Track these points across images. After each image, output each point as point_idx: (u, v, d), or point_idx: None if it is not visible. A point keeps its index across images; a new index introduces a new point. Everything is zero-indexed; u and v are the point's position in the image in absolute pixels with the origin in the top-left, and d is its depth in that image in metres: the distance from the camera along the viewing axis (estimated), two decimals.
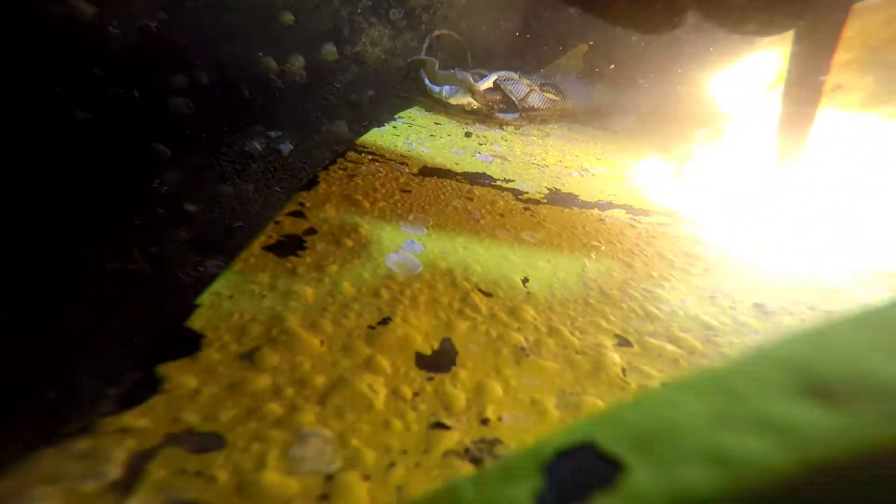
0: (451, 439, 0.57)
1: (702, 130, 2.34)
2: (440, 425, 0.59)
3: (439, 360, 0.70)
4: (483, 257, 1.03)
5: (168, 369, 0.60)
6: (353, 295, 0.82)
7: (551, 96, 2.70)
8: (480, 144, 1.97)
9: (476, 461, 0.55)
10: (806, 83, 1.56)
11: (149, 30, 1.84)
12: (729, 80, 2.49)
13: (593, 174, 1.87)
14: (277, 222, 1.00)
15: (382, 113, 2.16)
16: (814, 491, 0.21)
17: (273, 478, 0.49)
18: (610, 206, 1.52)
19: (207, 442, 0.52)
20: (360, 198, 1.20)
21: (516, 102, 2.49)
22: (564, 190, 1.60)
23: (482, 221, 1.21)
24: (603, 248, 1.18)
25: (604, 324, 0.86)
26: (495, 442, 0.58)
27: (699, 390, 0.27)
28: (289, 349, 0.67)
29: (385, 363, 0.68)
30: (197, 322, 0.69)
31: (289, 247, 0.92)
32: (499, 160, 1.79)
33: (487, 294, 0.89)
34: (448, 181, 1.45)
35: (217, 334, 0.67)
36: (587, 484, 0.24)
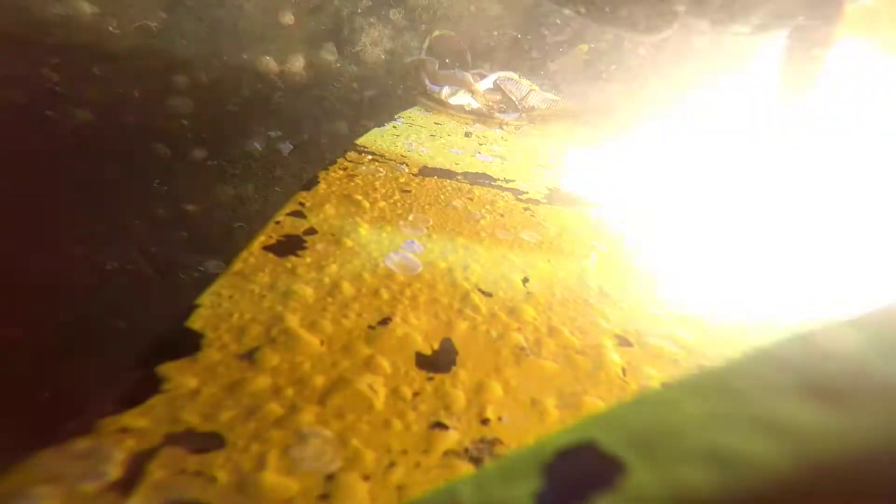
0: (450, 439, 0.57)
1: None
2: (440, 425, 0.59)
3: (439, 360, 0.70)
4: (483, 257, 1.03)
5: (168, 369, 0.60)
6: (353, 295, 0.82)
7: (551, 96, 2.70)
8: (480, 144, 1.97)
9: (476, 461, 0.55)
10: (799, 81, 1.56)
11: (149, 30, 1.84)
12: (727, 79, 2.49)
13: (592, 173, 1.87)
14: (277, 222, 1.00)
15: (382, 113, 2.16)
16: (814, 491, 0.21)
17: (273, 478, 0.49)
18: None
19: (207, 442, 0.52)
20: (360, 198, 1.20)
21: (516, 102, 2.49)
22: (565, 189, 1.60)
23: (482, 221, 1.21)
24: (605, 248, 1.18)
25: (604, 324, 0.86)
26: (495, 442, 0.58)
27: (699, 390, 0.27)
28: (289, 349, 0.67)
29: (385, 363, 0.68)
30: (197, 322, 0.69)
31: (289, 247, 0.92)
32: (499, 160, 1.79)
33: (487, 294, 0.89)
34: (448, 181, 1.45)
35: (217, 334, 0.67)
36: (587, 484, 0.24)
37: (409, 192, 1.30)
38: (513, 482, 0.26)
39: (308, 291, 0.81)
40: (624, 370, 0.74)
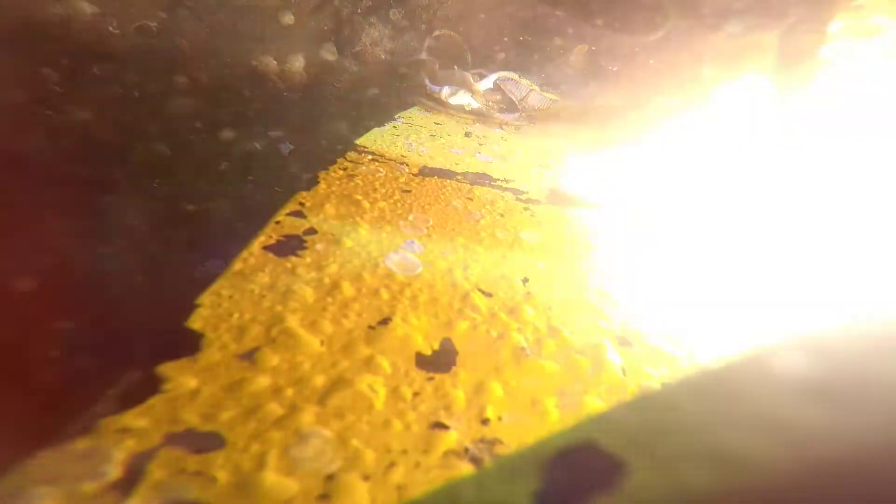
0: (450, 439, 0.57)
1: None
2: (440, 425, 0.59)
3: (439, 360, 0.70)
4: (483, 257, 1.03)
5: (168, 369, 0.60)
6: (352, 295, 0.82)
7: (551, 96, 2.70)
8: (480, 144, 1.97)
9: (476, 461, 0.55)
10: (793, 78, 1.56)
11: (149, 30, 1.84)
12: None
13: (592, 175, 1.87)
14: (277, 222, 1.00)
15: (382, 113, 2.16)
16: (813, 491, 0.21)
17: (273, 478, 0.49)
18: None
19: (207, 442, 0.52)
20: (360, 198, 1.20)
21: (516, 102, 2.49)
22: (565, 189, 1.59)
23: (482, 221, 1.21)
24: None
25: (604, 324, 0.86)
26: (495, 442, 0.58)
27: (699, 390, 0.27)
28: (289, 349, 0.67)
29: (385, 363, 0.68)
30: (197, 322, 0.69)
31: (289, 247, 0.92)
32: (499, 160, 1.79)
33: (487, 294, 0.89)
34: (448, 181, 1.45)
35: (217, 334, 0.67)
36: (587, 484, 0.24)
37: (409, 192, 1.30)
38: (513, 482, 0.26)
39: (308, 291, 0.81)
40: (624, 370, 0.74)
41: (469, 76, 2.41)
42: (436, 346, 0.73)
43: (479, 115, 2.41)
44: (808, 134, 1.64)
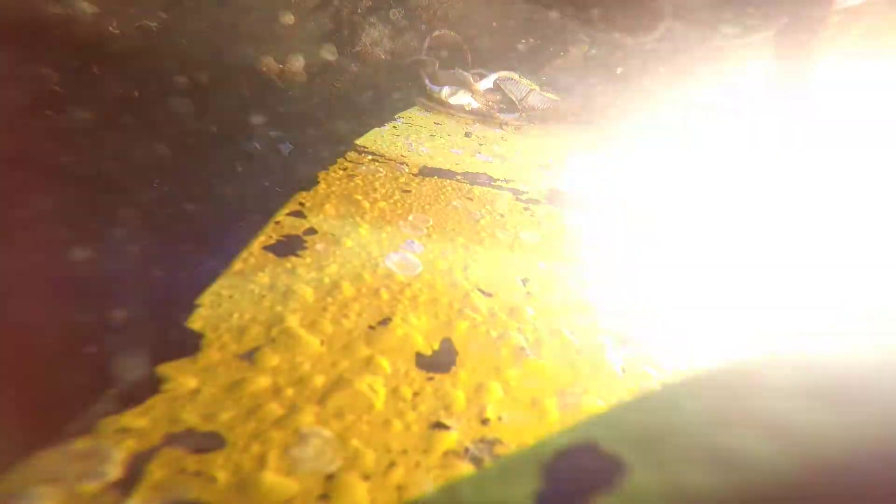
0: (451, 439, 0.57)
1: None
2: (440, 425, 0.59)
3: (439, 360, 0.70)
4: (483, 257, 1.03)
5: (168, 369, 0.60)
6: (352, 295, 0.82)
7: (551, 96, 2.70)
8: (480, 144, 1.97)
9: (476, 461, 0.55)
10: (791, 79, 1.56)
11: (149, 30, 1.84)
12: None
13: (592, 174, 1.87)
14: (277, 222, 1.00)
15: (382, 113, 2.16)
16: (813, 491, 0.21)
17: (273, 478, 0.49)
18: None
19: (207, 442, 0.52)
20: (359, 198, 1.20)
21: (516, 102, 2.49)
22: (564, 189, 1.59)
23: (482, 221, 1.21)
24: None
25: (603, 324, 0.86)
26: (495, 442, 0.58)
27: (699, 390, 0.27)
28: (289, 349, 0.67)
29: (385, 363, 0.68)
30: (197, 322, 0.69)
31: (289, 247, 0.92)
32: (499, 160, 1.79)
33: (487, 294, 0.89)
34: (448, 181, 1.45)
35: (217, 334, 0.67)
36: (588, 484, 0.24)
37: (409, 192, 1.30)
38: (513, 482, 0.26)
39: (308, 291, 0.81)
40: (624, 370, 0.74)
41: (469, 76, 2.41)
42: (436, 346, 0.73)
43: (479, 115, 2.41)
44: (808, 134, 1.63)
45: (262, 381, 0.61)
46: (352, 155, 1.49)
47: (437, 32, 2.81)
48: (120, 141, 1.53)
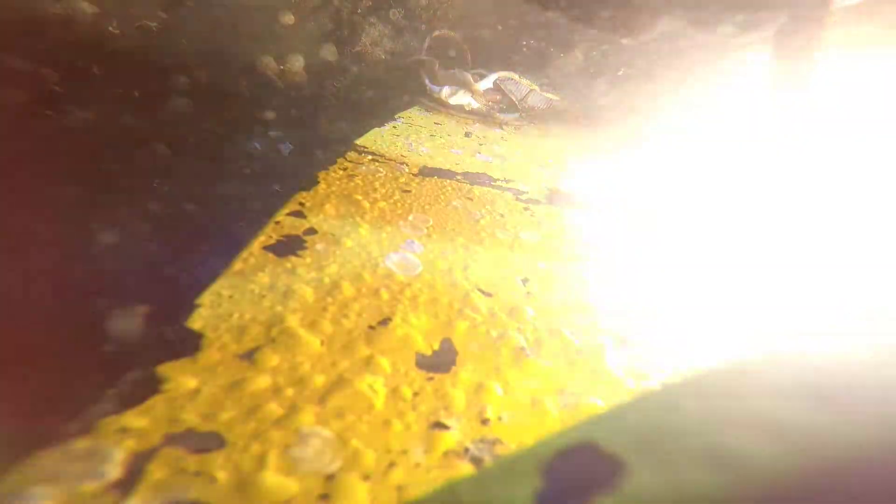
0: (451, 439, 0.57)
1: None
2: (440, 425, 0.59)
3: (439, 361, 0.70)
4: (483, 257, 1.03)
5: (168, 369, 0.60)
6: (353, 295, 0.82)
7: (551, 96, 2.70)
8: (480, 144, 1.97)
9: (476, 461, 0.55)
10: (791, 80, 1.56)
11: (149, 30, 1.84)
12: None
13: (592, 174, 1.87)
14: (277, 222, 1.00)
15: (382, 113, 2.16)
16: (812, 490, 0.21)
17: (273, 478, 0.49)
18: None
19: (207, 442, 0.52)
20: (359, 198, 1.20)
21: (516, 102, 2.49)
22: (564, 189, 1.59)
23: (482, 221, 1.21)
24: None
25: (603, 324, 0.86)
26: (495, 442, 0.58)
27: (699, 390, 0.27)
28: (289, 349, 0.67)
29: (385, 363, 0.68)
30: (197, 322, 0.69)
31: (289, 247, 0.92)
32: (499, 160, 1.79)
33: (487, 294, 0.89)
34: (448, 181, 1.45)
35: (217, 334, 0.67)
36: (588, 484, 0.24)
37: (409, 192, 1.30)
38: (513, 482, 0.26)
39: (308, 291, 0.81)
40: (623, 370, 0.74)
41: (469, 76, 2.41)
42: (436, 347, 0.73)
43: (479, 115, 2.41)
44: (807, 133, 1.64)
45: (262, 381, 0.61)
46: (352, 155, 1.49)
47: (437, 32, 2.81)
48: (120, 141, 1.53)
